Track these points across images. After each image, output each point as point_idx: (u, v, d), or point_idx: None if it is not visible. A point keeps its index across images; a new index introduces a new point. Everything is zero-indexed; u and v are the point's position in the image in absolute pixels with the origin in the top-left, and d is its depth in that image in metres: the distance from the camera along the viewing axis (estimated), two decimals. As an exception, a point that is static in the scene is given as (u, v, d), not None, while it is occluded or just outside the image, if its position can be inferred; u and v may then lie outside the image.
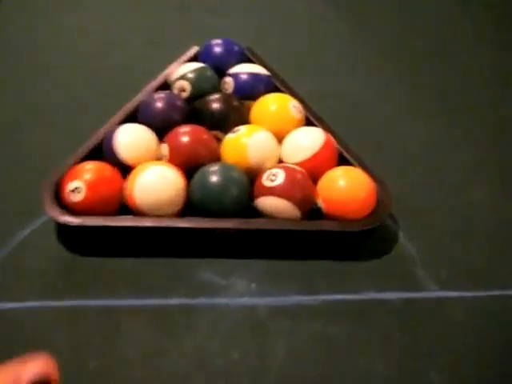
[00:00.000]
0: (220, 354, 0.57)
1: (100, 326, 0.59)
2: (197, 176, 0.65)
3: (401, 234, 0.68)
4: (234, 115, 0.72)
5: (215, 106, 0.72)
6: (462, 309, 0.61)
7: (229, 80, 0.77)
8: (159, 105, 0.71)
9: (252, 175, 0.67)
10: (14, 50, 0.90)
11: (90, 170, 0.64)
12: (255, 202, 0.65)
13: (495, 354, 0.58)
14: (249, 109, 0.74)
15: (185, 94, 0.75)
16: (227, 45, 0.82)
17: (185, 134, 0.68)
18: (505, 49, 0.95)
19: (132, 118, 0.73)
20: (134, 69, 0.86)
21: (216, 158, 0.69)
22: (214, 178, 0.64)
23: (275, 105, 0.73)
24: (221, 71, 0.79)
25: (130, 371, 0.55)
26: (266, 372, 0.55)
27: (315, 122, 0.74)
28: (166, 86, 0.78)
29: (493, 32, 0.99)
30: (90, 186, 0.62)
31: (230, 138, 0.69)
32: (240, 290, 0.62)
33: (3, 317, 0.59)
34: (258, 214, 0.65)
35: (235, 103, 0.73)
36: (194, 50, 0.84)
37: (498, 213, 0.71)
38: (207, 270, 0.63)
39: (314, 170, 0.67)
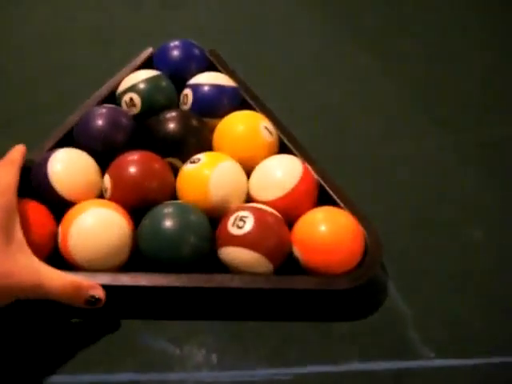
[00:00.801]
0: None
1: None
2: (147, 219, 0.53)
3: (389, 285, 0.57)
4: (193, 138, 0.60)
5: (170, 126, 0.59)
6: (464, 380, 0.52)
7: (187, 92, 0.65)
8: (99, 123, 0.58)
9: (214, 215, 0.55)
10: None
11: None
12: (219, 251, 0.54)
13: None
14: (211, 129, 0.63)
15: (135, 110, 0.63)
16: (187, 48, 0.69)
17: (131, 163, 0.55)
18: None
19: (69, 140, 0.60)
20: (76, 73, 0.73)
21: (170, 193, 0.57)
22: (169, 223, 0.52)
23: (243, 126, 0.61)
24: (179, 80, 0.66)
25: None
26: None
27: (290, 147, 0.62)
28: (113, 97, 0.66)
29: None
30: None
31: (188, 169, 0.57)
32: (198, 362, 0.51)
33: None
34: (220, 264, 0.54)
35: (195, 123, 0.61)
36: (147, 52, 0.71)
37: (499, 256, 0.61)
38: (158, 335, 0.52)
39: (288, 209, 0.55)
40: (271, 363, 0.51)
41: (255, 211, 0.54)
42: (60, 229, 0.52)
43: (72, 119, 0.62)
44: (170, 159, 0.59)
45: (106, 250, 0.51)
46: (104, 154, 0.58)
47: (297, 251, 0.54)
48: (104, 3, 0.84)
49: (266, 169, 0.58)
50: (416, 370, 0.52)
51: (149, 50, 0.71)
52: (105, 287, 0.51)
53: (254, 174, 0.59)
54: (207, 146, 0.61)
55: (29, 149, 0.57)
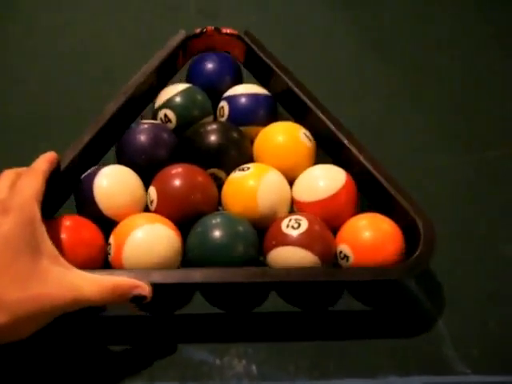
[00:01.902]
0: None
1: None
2: (196, 230, 0.55)
3: (423, 300, 0.58)
4: (234, 149, 0.61)
5: (212, 138, 0.60)
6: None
7: (223, 104, 0.65)
8: (142, 139, 0.60)
9: (261, 226, 0.57)
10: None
11: (67, 228, 0.53)
12: (270, 253, 0.55)
13: None
14: (250, 138, 0.64)
15: (171, 125, 0.63)
16: (222, 60, 0.69)
17: (176, 176, 0.56)
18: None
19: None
20: (115, 79, 0.74)
21: (214, 204, 0.58)
22: (217, 233, 0.53)
23: (284, 136, 0.62)
24: (214, 92, 0.67)
25: None
26: None
27: (340, 136, 0.61)
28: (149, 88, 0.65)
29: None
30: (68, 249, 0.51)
31: (235, 177, 0.59)
32: (238, 372, 0.52)
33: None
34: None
35: (235, 134, 0.62)
36: (181, 35, 0.67)
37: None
38: (197, 346, 0.54)
39: (329, 213, 0.58)
40: (310, 374, 0.53)
41: (307, 215, 0.56)
42: (113, 242, 0.54)
43: (109, 108, 0.61)
44: (213, 170, 0.60)
45: (157, 261, 0.52)
46: (147, 168, 0.59)
47: (347, 250, 0.56)
48: (141, 10, 0.85)
49: (309, 175, 0.60)
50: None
51: (182, 33, 0.68)
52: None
53: (298, 181, 0.60)
54: (248, 156, 0.62)
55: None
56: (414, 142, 0.72)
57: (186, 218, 0.55)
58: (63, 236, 0.52)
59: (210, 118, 0.65)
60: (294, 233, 0.54)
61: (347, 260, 0.56)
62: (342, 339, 0.55)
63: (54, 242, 0.48)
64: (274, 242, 0.55)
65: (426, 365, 0.54)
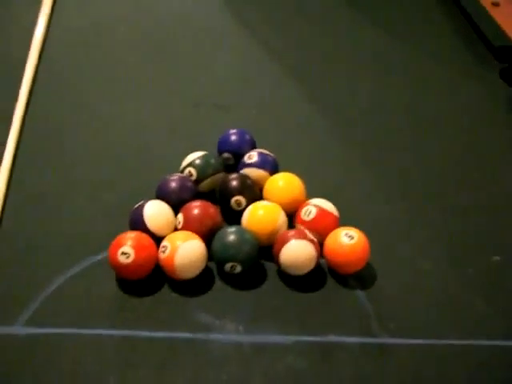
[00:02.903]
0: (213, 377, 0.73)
1: (121, 352, 0.75)
2: (218, 235, 0.83)
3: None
4: (251, 185, 0.91)
5: (237, 179, 0.91)
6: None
7: (254, 153, 0.97)
8: (173, 185, 0.89)
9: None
10: (40, 135, 1.03)
11: (134, 238, 0.80)
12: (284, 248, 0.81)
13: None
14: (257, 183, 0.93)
15: (193, 178, 0.93)
16: (242, 134, 1.00)
17: (195, 207, 0.86)
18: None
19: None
20: (153, 154, 1.03)
21: (219, 226, 0.86)
22: (231, 231, 0.82)
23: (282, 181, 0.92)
24: (236, 156, 0.98)
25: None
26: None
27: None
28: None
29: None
30: (137, 251, 0.79)
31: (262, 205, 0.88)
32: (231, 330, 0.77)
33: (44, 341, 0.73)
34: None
35: (249, 180, 0.92)
36: None
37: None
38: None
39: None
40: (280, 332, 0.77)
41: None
42: (169, 246, 0.80)
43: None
44: (238, 197, 0.89)
45: (197, 264, 0.81)
46: (177, 202, 0.88)
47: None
48: (168, 106, 1.14)
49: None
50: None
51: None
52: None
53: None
54: (256, 190, 0.92)
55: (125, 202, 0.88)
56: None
57: (201, 234, 0.84)
58: (133, 243, 0.80)
59: (221, 174, 0.95)
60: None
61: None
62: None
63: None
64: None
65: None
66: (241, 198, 0.90)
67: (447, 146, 1.10)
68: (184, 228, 0.84)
